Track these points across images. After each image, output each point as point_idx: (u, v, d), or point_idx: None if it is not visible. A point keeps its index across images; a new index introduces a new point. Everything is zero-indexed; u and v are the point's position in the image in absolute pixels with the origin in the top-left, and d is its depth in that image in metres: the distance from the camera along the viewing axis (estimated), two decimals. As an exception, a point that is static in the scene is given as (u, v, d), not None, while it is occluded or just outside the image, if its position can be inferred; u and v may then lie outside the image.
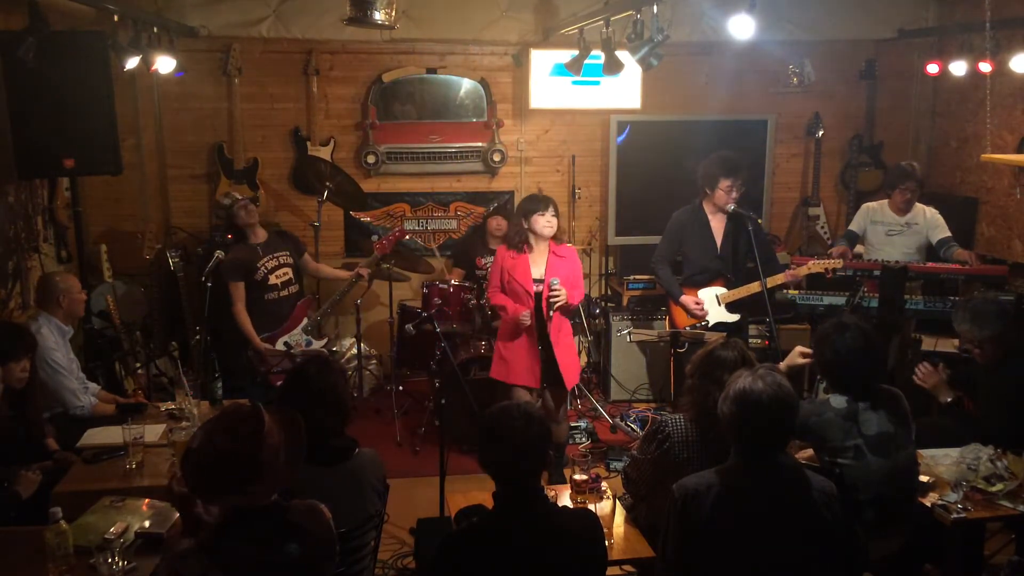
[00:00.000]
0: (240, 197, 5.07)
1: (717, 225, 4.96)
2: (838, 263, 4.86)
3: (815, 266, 4.83)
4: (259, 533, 2.15)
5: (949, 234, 5.14)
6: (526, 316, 4.37)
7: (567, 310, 4.49)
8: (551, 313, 4.39)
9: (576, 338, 6.20)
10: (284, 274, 4.94)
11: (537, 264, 4.47)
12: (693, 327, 4.95)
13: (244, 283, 4.83)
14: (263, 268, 4.84)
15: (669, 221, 5.12)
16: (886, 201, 5.30)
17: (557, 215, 4.47)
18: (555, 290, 4.33)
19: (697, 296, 4.98)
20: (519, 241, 4.47)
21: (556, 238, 4.50)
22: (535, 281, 4.45)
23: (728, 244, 4.95)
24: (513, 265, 4.45)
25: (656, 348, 5.90)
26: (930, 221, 5.18)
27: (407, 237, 6.38)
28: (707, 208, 4.95)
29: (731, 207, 4.86)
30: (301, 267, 5.22)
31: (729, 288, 4.95)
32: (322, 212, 5.90)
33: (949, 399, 3.88)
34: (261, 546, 2.14)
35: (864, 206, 5.44)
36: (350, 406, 2.99)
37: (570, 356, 4.58)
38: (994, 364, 3.77)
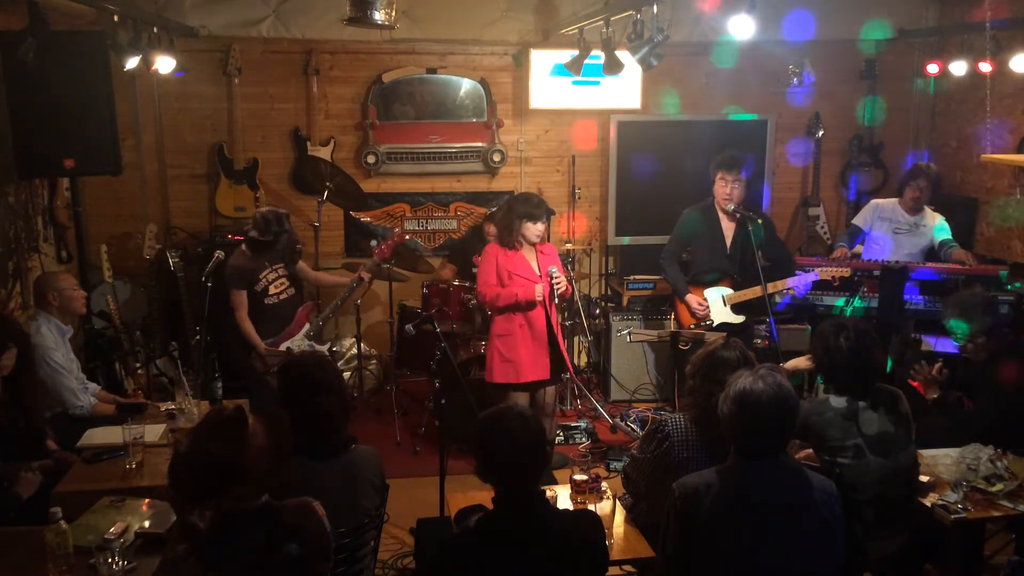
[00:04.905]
0: (290, 226, 4.90)
1: (728, 225, 4.97)
2: (845, 271, 4.87)
3: (823, 273, 4.84)
4: (252, 535, 2.16)
5: (951, 237, 5.18)
6: (540, 287, 4.37)
7: (563, 299, 4.51)
8: (555, 300, 4.40)
9: (576, 338, 6.24)
10: (282, 284, 4.92)
11: (531, 261, 4.50)
12: (697, 325, 4.95)
13: (246, 291, 4.82)
14: (264, 280, 4.83)
15: (680, 218, 5.13)
16: (897, 200, 5.33)
17: (549, 221, 4.48)
18: (556, 278, 4.35)
19: (703, 295, 4.99)
20: (510, 240, 4.47)
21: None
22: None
23: (737, 244, 4.95)
24: (512, 263, 4.45)
25: (661, 348, 5.89)
26: (937, 225, 5.22)
27: (407, 238, 6.38)
28: (718, 207, 4.96)
29: (731, 206, 4.87)
30: (297, 275, 5.19)
31: (736, 289, 4.96)
32: (322, 212, 5.90)
33: (935, 396, 3.88)
34: (255, 548, 2.14)
35: (872, 201, 5.46)
36: (349, 398, 2.99)
37: (563, 346, 4.64)
38: (988, 358, 3.77)
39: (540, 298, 4.38)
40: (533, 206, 4.42)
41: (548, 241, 4.65)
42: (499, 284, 4.49)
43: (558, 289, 4.35)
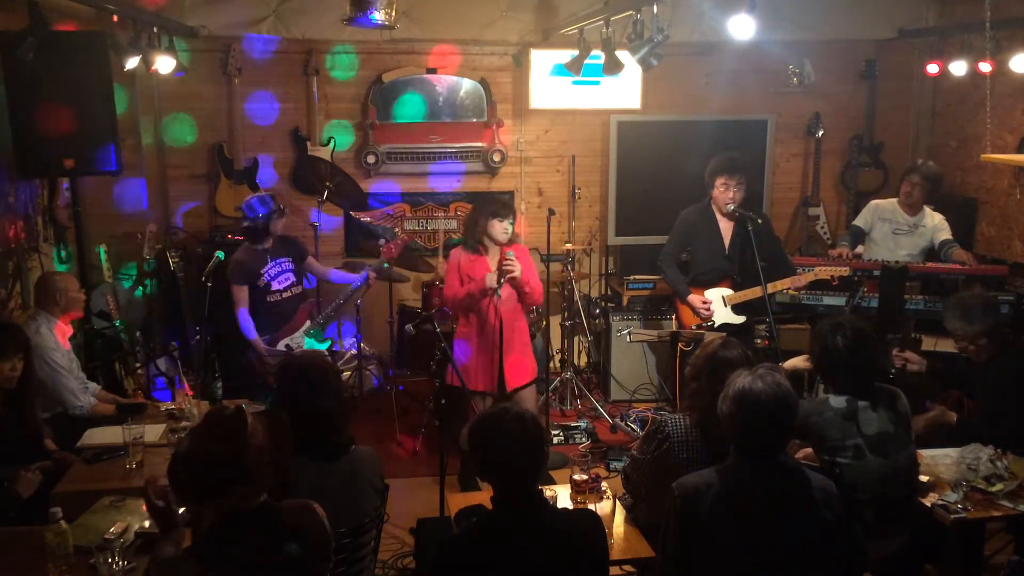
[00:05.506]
0: (278, 205, 4.93)
1: (726, 226, 4.97)
2: (844, 270, 4.87)
3: (821, 272, 4.84)
4: (252, 535, 2.15)
5: (951, 237, 5.18)
6: (492, 275, 4.36)
7: (519, 287, 4.44)
8: (502, 280, 4.35)
9: (576, 338, 6.24)
10: (286, 279, 4.93)
11: (492, 266, 4.48)
12: (699, 327, 4.95)
13: (248, 286, 4.82)
14: (267, 274, 4.83)
15: (677, 219, 5.13)
16: (896, 200, 5.33)
17: (514, 223, 4.46)
18: (509, 260, 4.31)
19: (704, 296, 4.98)
20: (474, 241, 4.47)
21: (510, 239, 4.51)
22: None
23: (736, 245, 4.95)
24: (472, 267, 4.45)
25: (661, 348, 5.89)
26: (937, 225, 5.22)
27: (401, 233, 6.38)
28: (715, 208, 4.96)
29: (730, 207, 4.87)
30: (306, 270, 5.18)
31: (736, 289, 4.95)
32: (322, 212, 5.90)
33: (954, 418, 3.88)
34: (255, 548, 2.14)
35: (872, 202, 5.47)
36: (347, 398, 2.98)
37: (520, 356, 4.54)
38: (989, 359, 3.77)
39: (492, 285, 4.36)
40: (500, 205, 4.47)
41: (516, 243, 4.60)
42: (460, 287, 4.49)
43: (507, 272, 4.31)
